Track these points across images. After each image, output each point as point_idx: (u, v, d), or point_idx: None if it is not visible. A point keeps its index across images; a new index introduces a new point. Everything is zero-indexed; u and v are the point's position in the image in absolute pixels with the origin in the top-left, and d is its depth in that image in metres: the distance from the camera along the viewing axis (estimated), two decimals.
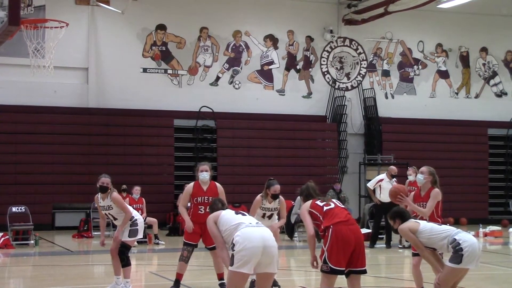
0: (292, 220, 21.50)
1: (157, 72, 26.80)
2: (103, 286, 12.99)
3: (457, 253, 8.99)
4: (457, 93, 30.44)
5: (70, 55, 24.77)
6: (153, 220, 20.62)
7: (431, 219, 10.68)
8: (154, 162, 25.82)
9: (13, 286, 14.12)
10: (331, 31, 28.58)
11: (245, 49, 27.91)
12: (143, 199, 20.87)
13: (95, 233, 22.42)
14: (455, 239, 9.06)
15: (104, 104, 25.82)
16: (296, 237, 21.65)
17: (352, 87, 28.93)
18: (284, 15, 28.10)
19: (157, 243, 20.28)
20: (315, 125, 28.29)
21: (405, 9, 26.34)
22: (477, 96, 30.69)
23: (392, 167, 20.65)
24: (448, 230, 9.28)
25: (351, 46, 28.95)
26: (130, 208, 12.45)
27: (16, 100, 24.60)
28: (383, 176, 20.34)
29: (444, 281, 9.17)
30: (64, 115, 25.06)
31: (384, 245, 19.90)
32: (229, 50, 27.73)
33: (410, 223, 9.43)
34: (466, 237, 9.14)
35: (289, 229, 21.78)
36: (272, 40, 28.22)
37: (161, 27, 26.83)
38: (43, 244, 20.38)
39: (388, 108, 29.18)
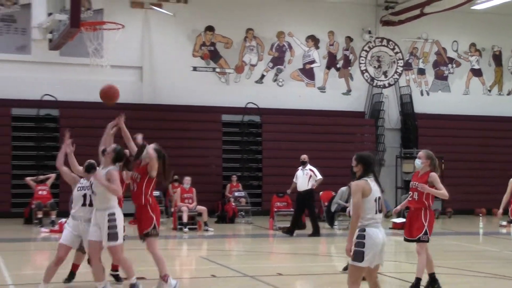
0: (333, 209, 21.56)
1: (206, 71, 26.97)
2: (149, 269, 13.15)
3: (358, 248, 7.59)
4: (490, 90, 30.22)
5: (126, 55, 24.97)
6: (203, 209, 20.71)
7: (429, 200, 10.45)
8: (203, 155, 26.01)
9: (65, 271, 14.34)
10: (370, 32, 28.51)
11: (288, 49, 27.97)
12: (194, 189, 21.02)
13: None
14: (365, 230, 7.65)
15: (157, 100, 26.06)
16: (336, 225, 21.63)
17: (389, 85, 28.82)
18: (325, 17, 28.09)
19: (207, 230, 20.31)
20: (354, 121, 28.27)
21: (440, 11, 26.22)
22: (509, 93, 30.46)
23: (303, 155, 19.96)
24: (375, 218, 7.72)
25: (388, 46, 28.83)
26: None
27: (77, 97, 24.88)
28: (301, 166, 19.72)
29: (349, 281, 7.78)
30: (120, 111, 25.26)
31: None
32: (273, 50, 27.81)
33: (367, 185, 7.77)
34: (373, 233, 7.66)
35: (330, 217, 21.78)
36: (313, 40, 28.23)
37: (209, 29, 26.99)
38: None
39: (424, 104, 29.07)
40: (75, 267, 11.05)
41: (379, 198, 7.80)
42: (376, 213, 7.72)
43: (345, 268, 11.73)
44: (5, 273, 11.91)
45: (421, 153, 10.68)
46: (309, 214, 19.63)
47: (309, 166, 19.50)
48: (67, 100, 24.85)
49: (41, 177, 21.87)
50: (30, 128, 24.57)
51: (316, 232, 19.20)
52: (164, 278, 10.01)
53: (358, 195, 7.65)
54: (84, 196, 10.01)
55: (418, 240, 10.36)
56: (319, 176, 19.44)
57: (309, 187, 19.29)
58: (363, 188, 7.69)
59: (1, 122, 24.24)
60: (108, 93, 10.99)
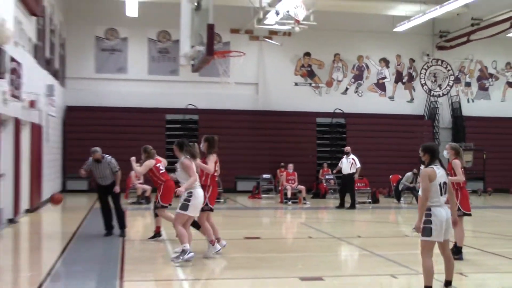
0: (400, 188, 21.21)
1: (304, 85, 26.96)
2: (263, 231, 13.20)
3: (427, 225, 6.96)
4: None
5: (246, 74, 25.23)
6: (302, 187, 20.73)
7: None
8: (302, 147, 26.01)
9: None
10: (428, 55, 27.87)
11: (365, 68, 27.64)
12: (295, 173, 21.05)
13: (264, 195, 22.83)
14: (430, 209, 6.98)
15: (269, 107, 26.21)
16: (402, 200, 21.25)
17: (443, 94, 28.05)
18: (394, 44, 27.60)
19: (305, 203, 20.35)
20: (416, 122, 27.66)
21: (482, 38, 25.40)
22: None
23: (346, 147, 19.64)
24: (438, 199, 7.03)
25: (442, 65, 28.03)
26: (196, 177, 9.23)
27: (211, 105, 25.38)
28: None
29: (422, 254, 7.04)
30: (244, 115, 25.69)
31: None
32: (355, 69, 27.53)
33: (433, 172, 7.03)
34: (438, 211, 6.99)
35: (397, 194, 21.46)
36: (385, 62, 27.81)
37: (307, 54, 26.95)
38: (229, 202, 20.98)
39: (470, 109, 28.25)
40: (158, 229, 11.44)
41: (444, 182, 7.06)
42: (441, 195, 7.01)
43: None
44: (163, 231, 12.20)
45: (447, 145, 10.10)
46: (349, 192, 19.06)
47: (352, 156, 19.05)
48: (205, 108, 25.34)
49: None
50: (178, 129, 25.20)
51: (352, 206, 18.71)
52: (211, 242, 9.74)
53: (426, 180, 6.99)
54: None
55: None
56: (359, 165, 18.94)
57: (351, 171, 18.86)
58: (429, 174, 6.99)
59: (159, 124, 24.94)
60: (55, 201, 12.79)
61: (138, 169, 11.15)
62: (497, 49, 28.42)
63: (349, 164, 18.99)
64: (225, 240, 10.23)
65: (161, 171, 11.33)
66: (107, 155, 12.06)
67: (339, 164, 19.50)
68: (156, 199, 11.26)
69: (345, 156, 19.30)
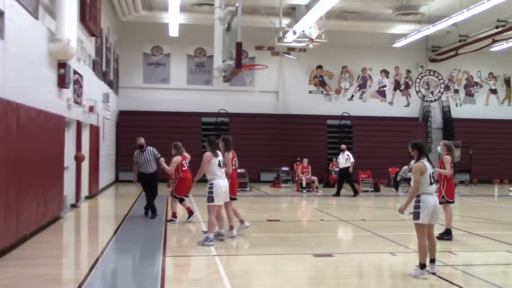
0: (398, 179, 20.97)
1: (317, 93, 26.76)
2: (282, 215, 13.10)
3: (416, 209, 6.80)
4: (502, 103, 28.50)
5: (268, 84, 25.18)
6: (315, 178, 20.67)
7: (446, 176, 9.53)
8: (315, 145, 25.81)
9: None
10: (422, 66, 27.51)
11: (369, 78, 27.36)
12: (309, 166, 20.96)
13: (283, 185, 22.73)
14: (420, 196, 6.79)
15: (287, 111, 26.09)
16: (400, 190, 21.01)
17: (435, 100, 27.65)
18: (393, 58, 27.28)
19: (317, 192, 20.29)
20: (411, 123, 27.31)
21: (469, 52, 25.06)
22: None
23: (342, 145, 19.57)
24: (428, 188, 6.85)
25: (434, 75, 27.63)
26: (213, 170, 8.93)
27: (239, 110, 25.34)
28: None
29: (417, 234, 6.88)
30: (266, 118, 25.60)
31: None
32: (359, 79, 27.27)
33: (423, 166, 6.82)
34: (426, 198, 6.80)
35: (396, 184, 21.22)
36: (385, 72, 27.49)
37: (319, 67, 26.77)
38: (254, 190, 20.94)
39: (458, 112, 27.82)
40: (188, 209, 11.46)
41: (432, 173, 6.90)
42: (430, 184, 6.85)
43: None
44: (199, 215, 12.21)
45: (441, 142, 9.95)
46: (347, 182, 18.98)
47: (346, 152, 19.04)
48: (234, 112, 25.31)
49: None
50: (211, 130, 25.23)
51: (355, 194, 18.65)
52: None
53: (417, 174, 6.78)
54: None
55: (440, 202, 9.45)
56: (352, 160, 18.85)
57: (346, 165, 18.76)
58: (421, 168, 6.80)
59: (195, 126, 24.98)
60: (80, 159, 13.28)
61: (168, 167, 11.23)
62: (481, 61, 27.97)
63: (344, 159, 19.00)
64: (250, 222, 10.21)
65: (184, 168, 11.34)
66: (149, 146, 12.19)
67: (337, 160, 19.60)
68: (172, 188, 11.53)
69: (341, 153, 19.36)
